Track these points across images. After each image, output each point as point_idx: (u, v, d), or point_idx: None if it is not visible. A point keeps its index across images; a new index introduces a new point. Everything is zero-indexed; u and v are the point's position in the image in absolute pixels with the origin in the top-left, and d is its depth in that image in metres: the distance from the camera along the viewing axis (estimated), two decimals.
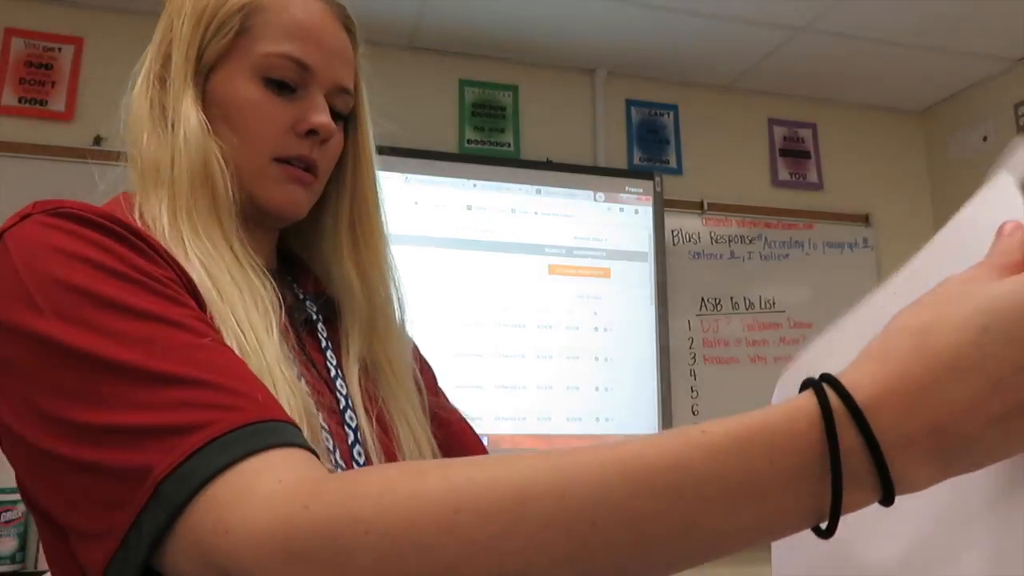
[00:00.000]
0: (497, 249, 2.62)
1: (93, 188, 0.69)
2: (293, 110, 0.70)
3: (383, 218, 0.78)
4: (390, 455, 0.69)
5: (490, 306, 2.57)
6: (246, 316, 0.59)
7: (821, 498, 0.37)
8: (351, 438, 0.66)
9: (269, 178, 0.69)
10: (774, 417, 0.37)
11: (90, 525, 0.47)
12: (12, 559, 2.08)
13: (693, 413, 2.74)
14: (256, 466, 0.44)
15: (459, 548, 0.37)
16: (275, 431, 0.47)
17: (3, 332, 0.51)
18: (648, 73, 2.94)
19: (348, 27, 0.74)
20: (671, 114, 2.98)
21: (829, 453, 0.36)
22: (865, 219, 3.07)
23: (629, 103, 2.95)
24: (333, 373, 0.70)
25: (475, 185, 2.64)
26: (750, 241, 2.94)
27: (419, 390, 0.78)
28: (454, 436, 0.81)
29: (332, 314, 0.76)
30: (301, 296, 0.76)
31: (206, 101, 0.68)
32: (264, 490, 0.43)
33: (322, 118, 0.70)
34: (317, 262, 0.78)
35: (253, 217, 0.71)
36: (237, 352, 0.56)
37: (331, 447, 0.64)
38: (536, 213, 2.68)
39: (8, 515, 2.09)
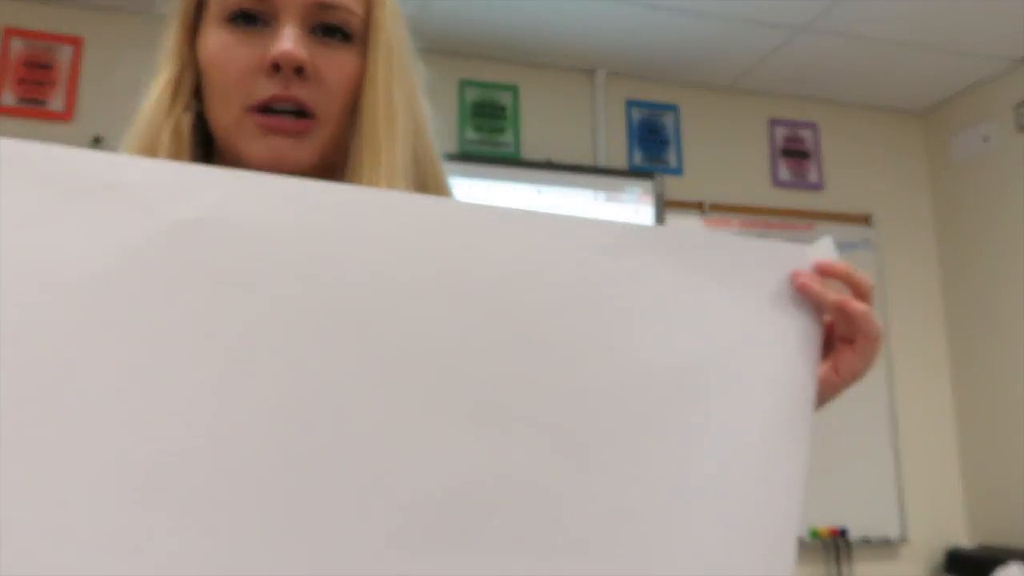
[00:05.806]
0: None
1: None
2: (260, 48, 0.59)
3: (399, 148, 0.64)
4: None
5: None
6: None
7: None
8: None
9: (245, 132, 0.59)
10: None
11: None
12: None
13: None
14: None
15: None
16: None
17: None
18: (648, 73, 2.94)
19: None
20: (671, 114, 2.98)
21: None
22: (866, 219, 3.06)
23: (629, 103, 2.95)
24: None
25: (475, 185, 2.64)
26: None
27: None
28: None
29: None
30: None
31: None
32: None
33: (283, 45, 0.58)
34: None
35: None
36: None
37: None
38: None
39: None
